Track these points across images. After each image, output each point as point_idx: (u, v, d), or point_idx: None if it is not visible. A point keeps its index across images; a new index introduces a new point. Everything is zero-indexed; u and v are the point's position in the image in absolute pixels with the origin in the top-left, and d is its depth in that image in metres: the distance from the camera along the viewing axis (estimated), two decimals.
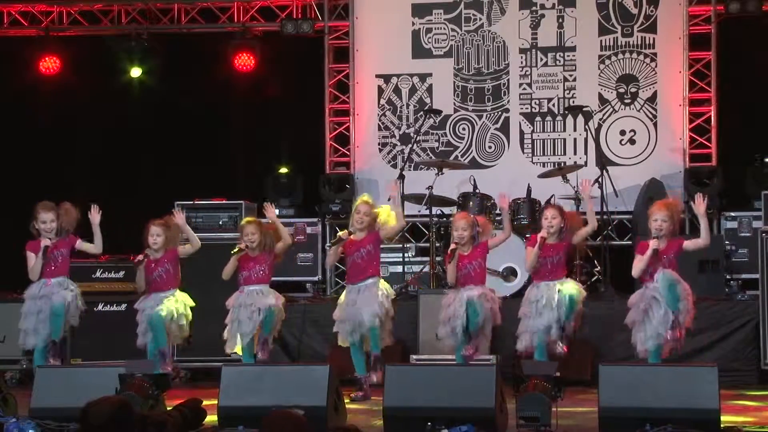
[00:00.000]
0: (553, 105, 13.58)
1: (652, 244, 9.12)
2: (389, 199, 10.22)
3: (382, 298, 9.69)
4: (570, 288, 9.45)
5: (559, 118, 13.55)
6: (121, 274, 11.41)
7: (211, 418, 7.88)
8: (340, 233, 9.96)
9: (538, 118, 13.60)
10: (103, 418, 6.37)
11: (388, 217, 9.84)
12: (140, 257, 9.79)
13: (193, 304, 9.96)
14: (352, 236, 9.80)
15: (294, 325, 11.50)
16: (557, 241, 9.53)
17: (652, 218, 9.23)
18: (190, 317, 9.91)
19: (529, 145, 13.59)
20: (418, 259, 12.79)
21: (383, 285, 9.80)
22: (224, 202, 12.17)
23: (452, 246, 9.60)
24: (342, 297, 9.86)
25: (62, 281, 9.89)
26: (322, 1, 14.01)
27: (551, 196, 12.33)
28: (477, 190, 12.33)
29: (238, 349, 9.84)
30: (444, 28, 13.77)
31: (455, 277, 9.64)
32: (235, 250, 9.84)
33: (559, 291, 9.37)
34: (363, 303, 9.63)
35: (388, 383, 7.56)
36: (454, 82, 13.73)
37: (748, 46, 13.26)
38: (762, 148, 13.04)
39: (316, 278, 13.11)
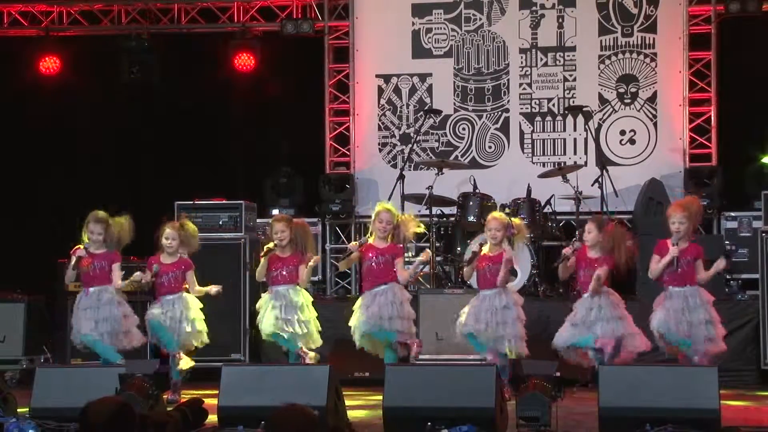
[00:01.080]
0: (553, 105, 13.58)
1: (672, 251, 9.13)
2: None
3: (400, 300, 9.63)
4: None
5: (559, 118, 13.55)
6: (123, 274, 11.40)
7: (211, 418, 7.87)
8: (349, 245, 9.90)
9: (538, 118, 13.61)
10: (103, 418, 6.37)
11: (410, 225, 9.78)
12: (146, 279, 9.73)
13: (201, 305, 9.95)
14: (371, 242, 9.74)
15: None
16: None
17: (670, 221, 9.26)
18: (201, 316, 9.91)
19: (529, 145, 13.59)
20: (418, 259, 12.76)
21: (399, 288, 9.71)
22: (224, 202, 12.16)
23: (475, 247, 9.58)
24: (358, 303, 9.79)
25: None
26: (322, 1, 14.01)
27: (551, 196, 12.34)
28: (477, 190, 12.33)
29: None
30: (444, 28, 13.77)
31: (471, 275, 9.65)
32: (263, 252, 9.75)
33: None
34: (382, 307, 9.59)
35: (388, 383, 7.56)
36: (454, 82, 13.73)
37: (748, 46, 13.26)
38: (762, 148, 13.04)
39: (316, 278, 13.09)
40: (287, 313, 9.65)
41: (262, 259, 9.78)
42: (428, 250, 10.16)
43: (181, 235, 9.84)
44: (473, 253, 9.65)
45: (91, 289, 9.74)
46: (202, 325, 9.88)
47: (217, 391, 7.75)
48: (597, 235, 9.50)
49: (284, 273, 9.73)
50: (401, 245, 9.79)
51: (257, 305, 9.91)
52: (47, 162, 14.11)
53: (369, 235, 9.84)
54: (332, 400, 7.61)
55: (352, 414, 8.28)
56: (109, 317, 9.65)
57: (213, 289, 9.90)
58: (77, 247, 9.76)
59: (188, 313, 9.80)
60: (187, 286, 9.89)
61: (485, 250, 9.68)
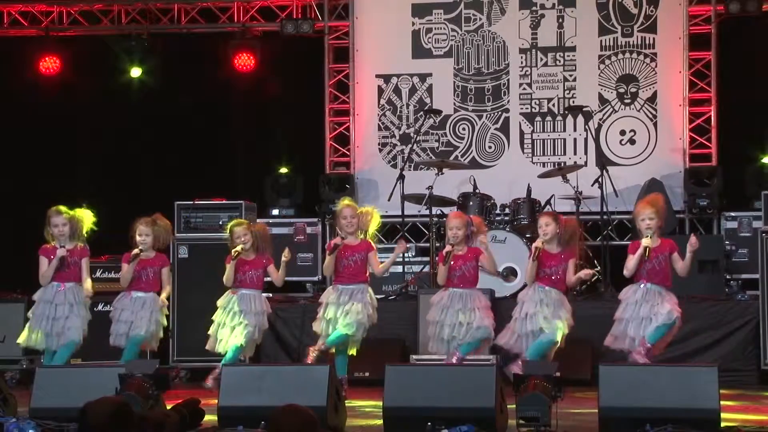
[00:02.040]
0: (553, 105, 13.58)
1: (644, 242, 9.17)
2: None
3: (369, 307, 9.71)
4: None
5: (559, 118, 13.55)
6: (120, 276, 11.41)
7: (211, 418, 7.87)
8: (334, 240, 9.93)
9: (538, 118, 13.61)
10: (102, 419, 6.37)
11: (367, 217, 9.83)
12: (135, 252, 9.78)
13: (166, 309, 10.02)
14: (345, 241, 9.78)
15: (294, 325, 11.52)
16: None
17: (639, 218, 9.30)
18: (165, 323, 10.00)
19: (529, 145, 13.59)
20: (418, 259, 12.79)
21: (370, 293, 9.80)
22: (224, 202, 12.16)
23: (447, 248, 9.60)
24: (325, 297, 9.84)
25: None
26: (322, 1, 14.01)
27: (551, 196, 12.34)
28: (477, 190, 12.33)
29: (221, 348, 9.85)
30: (444, 28, 13.77)
31: (446, 278, 9.65)
32: (234, 256, 9.79)
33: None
34: (348, 308, 9.64)
35: (388, 383, 7.56)
36: (454, 82, 13.73)
37: (748, 46, 13.26)
38: (762, 148, 13.05)
39: (316, 278, 13.10)
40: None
41: (229, 265, 9.78)
42: (402, 240, 10.18)
43: (154, 231, 9.85)
44: (447, 253, 9.63)
45: (68, 285, 9.79)
46: (160, 332, 9.94)
47: (217, 391, 7.75)
48: (555, 227, 9.49)
49: (254, 276, 9.83)
50: (370, 241, 9.84)
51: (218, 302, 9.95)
52: (47, 162, 14.10)
53: (338, 240, 9.84)
54: (332, 400, 7.61)
55: (351, 414, 8.28)
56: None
57: (164, 295, 9.95)
58: (45, 246, 9.79)
59: (157, 316, 9.85)
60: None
61: (460, 251, 9.67)
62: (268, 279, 10.11)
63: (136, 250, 9.77)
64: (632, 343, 9.19)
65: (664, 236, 9.51)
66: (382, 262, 9.94)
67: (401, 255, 11.57)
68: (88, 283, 9.81)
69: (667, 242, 9.33)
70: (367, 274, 9.83)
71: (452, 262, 9.56)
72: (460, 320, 9.50)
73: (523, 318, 9.45)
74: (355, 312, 9.61)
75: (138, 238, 9.82)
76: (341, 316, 9.64)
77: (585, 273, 9.58)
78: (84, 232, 9.87)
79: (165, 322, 10.01)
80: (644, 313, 9.17)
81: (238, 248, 9.74)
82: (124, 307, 9.85)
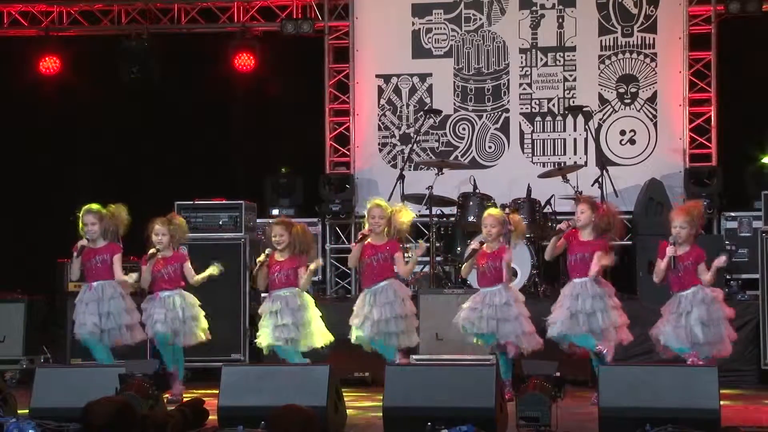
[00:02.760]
0: (553, 105, 13.58)
1: (669, 251, 9.11)
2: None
3: (400, 297, 9.63)
4: None
5: (559, 118, 13.55)
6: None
7: (211, 418, 7.87)
8: (363, 231, 9.88)
9: (538, 118, 13.60)
10: (104, 419, 6.38)
11: (400, 216, 9.77)
12: (151, 251, 9.77)
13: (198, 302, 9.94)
14: (370, 240, 9.74)
15: None
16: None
17: (672, 224, 9.21)
18: (201, 312, 9.92)
19: (529, 145, 13.59)
20: (418, 259, 12.75)
21: (398, 285, 9.72)
22: (224, 202, 12.16)
23: (474, 245, 9.55)
24: (359, 302, 9.79)
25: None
26: (322, 1, 14.01)
27: (551, 196, 12.34)
28: (477, 190, 12.33)
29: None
30: (444, 28, 13.77)
31: (469, 273, 9.63)
32: (260, 258, 9.73)
33: None
34: (381, 305, 9.59)
35: (388, 383, 7.56)
36: (454, 82, 13.73)
37: (748, 46, 13.26)
38: (762, 148, 13.05)
39: (316, 278, 13.08)
40: (284, 318, 9.62)
41: (263, 268, 9.70)
42: (421, 241, 10.15)
43: (170, 230, 9.85)
44: (473, 250, 9.63)
45: (95, 284, 9.75)
46: (204, 322, 9.88)
47: (217, 391, 7.76)
48: (590, 215, 9.40)
49: (282, 277, 9.68)
50: (398, 241, 9.79)
51: (259, 310, 9.88)
52: (47, 162, 14.11)
53: (362, 232, 9.81)
54: (332, 400, 7.62)
55: (352, 414, 8.29)
56: (112, 312, 9.67)
57: (214, 270, 9.86)
58: (76, 242, 9.79)
59: (191, 311, 9.81)
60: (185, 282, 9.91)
61: (485, 247, 9.66)
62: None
63: (152, 250, 9.77)
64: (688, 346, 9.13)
65: (698, 244, 9.39)
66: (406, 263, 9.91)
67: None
68: (117, 269, 9.80)
69: (695, 250, 9.23)
70: (394, 272, 9.75)
71: (478, 259, 9.55)
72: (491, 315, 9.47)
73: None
74: (379, 319, 9.55)
75: (155, 237, 9.82)
76: (371, 323, 9.57)
77: (609, 258, 9.41)
78: (118, 229, 9.84)
79: (200, 312, 9.92)
80: (695, 317, 9.09)
81: (262, 256, 9.68)
82: (154, 307, 9.81)
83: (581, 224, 9.41)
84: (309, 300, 9.77)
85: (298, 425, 6.40)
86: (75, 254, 9.75)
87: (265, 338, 9.60)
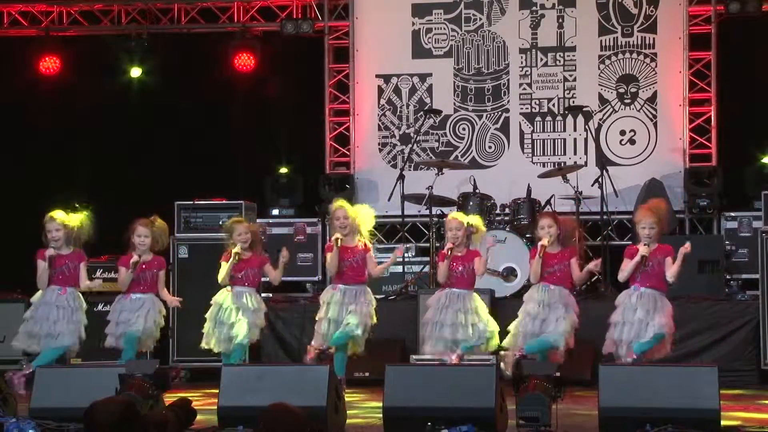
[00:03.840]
0: (553, 105, 13.59)
1: (642, 250, 9.18)
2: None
3: (371, 307, 9.77)
4: None
5: (559, 118, 13.55)
6: (118, 281, 11.40)
7: (211, 418, 7.87)
8: (336, 235, 9.95)
9: (538, 118, 13.61)
10: (111, 418, 6.37)
11: (360, 217, 9.86)
12: (134, 259, 9.77)
13: (164, 310, 10.02)
14: (344, 242, 9.81)
15: (294, 325, 11.52)
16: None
17: (640, 225, 9.32)
18: (162, 323, 10.02)
19: (529, 145, 13.59)
20: (418, 259, 12.80)
21: (370, 294, 9.88)
22: (224, 202, 12.17)
23: (448, 246, 9.63)
24: (327, 296, 9.86)
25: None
26: (322, 1, 14.01)
27: (551, 196, 12.34)
28: (477, 190, 12.33)
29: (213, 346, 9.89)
30: (444, 28, 13.77)
31: (445, 277, 9.69)
32: (234, 258, 9.81)
33: None
34: (353, 308, 9.67)
35: (388, 383, 7.56)
36: (454, 82, 13.73)
37: (748, 46, 13.26)
38: (762, 148, 13.05)
39: (316, 278, 13.11)
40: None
41: (228, 263, 9.82)
42: (402, 245, 10.25)
43: (152, 232, 9.85)
44: (449, 250, 9.69)
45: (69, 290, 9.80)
46: (157, 332, 9.96)
47: (217, 391, 7.75)
48: (556, 228, 9.56)
49: (249, 275, 9.88)
50: (367, 242, 9.91)
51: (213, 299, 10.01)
52: (47, 162, 14.10)
53: (336, 237, 9.89)
54: (332, 400, 7.61)
55: (352, 414, 8.28)
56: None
57: (174, 301, 10.01)
58: (41, 250, 9.79)
59: (157, 317, 9.88)
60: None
61: (459, 252, 9.73)
62: (265, 279, 10.14)
63: (135, 257, 9.75)
64: (620, 348, 9.21)
65: (662, 240, 9.50)
66: (380, 263, 10.01)
67: (401, 257, 11.67)
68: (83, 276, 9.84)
69: (663, 247, 9.32)
70: (366, 276, 9.88)
71: (453, 263, 9.61)
72: (461, 320, 9.53)
73: (528, 318, 9.50)
74: (361, 313, 9.67)
75: (137, 239, 9.81)
76: (348, 315, 9.66)
77: (594, 264, 9.58)
78: (81, 238, 9.86)
79: (162, 323, 10.02)
80: (640, 317, 9.20)
81: (237, 248, 9.77)
82: (123, 308, 9.85)
83: (552, 240, 9.53)
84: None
85: (287, 424, 6.39)
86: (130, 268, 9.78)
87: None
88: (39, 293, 9.85)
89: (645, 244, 9.20)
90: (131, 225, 9.87)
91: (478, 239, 9.78)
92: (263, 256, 9.96)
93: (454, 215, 10.03)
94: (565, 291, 9.56)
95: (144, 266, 9.83)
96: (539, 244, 9.57)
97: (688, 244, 9.23)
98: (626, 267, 9.30)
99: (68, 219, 9.82)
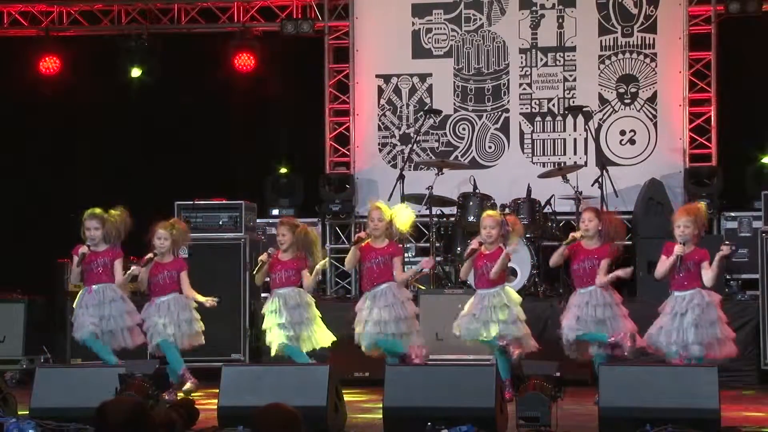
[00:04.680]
0: (553, 105, 13.58)
1: (677, 250, 9.07)
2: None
3: (400, 300, 9.59)
4: None
5: (559, 118, 13.55)
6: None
7: (211, 418, 7.88)
8: (360, 234, 9.90)
9: (538, 118, 13.61)
10: (121, 419, 6.36)
11: (402, 217, 9.75)
12: (149, 256, 9.76)
13: (195, 303, 9.93)
14: (369, 241, 9.70)
15: None
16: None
17: (675, 224, 9.18)
18: (198, 317, 9.90)
19: (529, 145, 13.59)
20: (418, 259, 12.75)
21: (397, 288, 9.65)
22: (224, 202, 12.16)
23: (474, 244, 9.52)
24: (359, 304, 9.77)
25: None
26: (322, 1, 14.01)
27: (551, 196, 12.34)
28: (477, 190, 12.33)
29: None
30: (444, 28, 13.77)
31: (468, 273, 9.62)
32: (262, 257, 9.76)
33: None
34: (381, 307, 9.57)
35: (388, 383, 7.56)
36: (454, 82, 13.73)
37: (748, 46, 13.26)
38: (762, 148, 13.04)
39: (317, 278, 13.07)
40: (281, 317, 9.65)
41: (263, 265, 9.75)
42: (431, 259, 10.10)
43: (172, 235, 9.84)
44: (472, 249, 9.62)
45: (95, 287, 9.73)
46: (200, 325, 9.88)
47: (217, 391, 7.76)
48: (598, 223, 9.42)
49: (283, 276, 9.73)
50: (400, 244, 9.79)
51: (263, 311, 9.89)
52: (47, 162, 14.11)
53: (363, 234, 9.81)
54: (332, 400, 7.62)
55: (352, 414, 8.29)
56: (113, 315, 9.66)
57: (208, 302, 9.86)
58: (78, 245, 9.77)
59: (186, 314, 9.80)
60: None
61: (483, 248, 9.64)
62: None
63: (149, 255, 9.76)
64: (668, 347, 9.11)
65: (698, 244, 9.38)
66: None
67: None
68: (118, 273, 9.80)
69: (699, 251, 9.19)
70: (391, 275, 9.73)
71: (479, 261, 9.53)
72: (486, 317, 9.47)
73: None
74: (379, 320, 9.53)
75: (156, 241, 9.80)
76: (373, 322, 9.55)
77: (625, 272, 9.44)
78: (120, 234, 9.81)
79: (197, 316, 9.89)
80: (689, 319, 9.07)
81: (264, 256, 9.72)
82: (149, 315, 9.81)
83: (591, 233, 9.41)
84: (309, 299, 9.77)
85: (281, 424, 6.37)
86: (76, 260, 9.72)
87: (274, 338, 9.62)
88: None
89: (681, 243, 9.12)
90: (152, 227, 9.86)
91: (516, 237, 9.66)
92: (302, 259, 9.75)
93: (490, 213, 9.85)
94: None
95: (162, 268, 9.80)
96: (570, 235, 9.50)
97: (725, 247, 9.17)
98: (661, 266, 9.21)
99: (108, 216, 9.77)
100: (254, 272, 9.93)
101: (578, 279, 9.46)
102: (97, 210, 9.82)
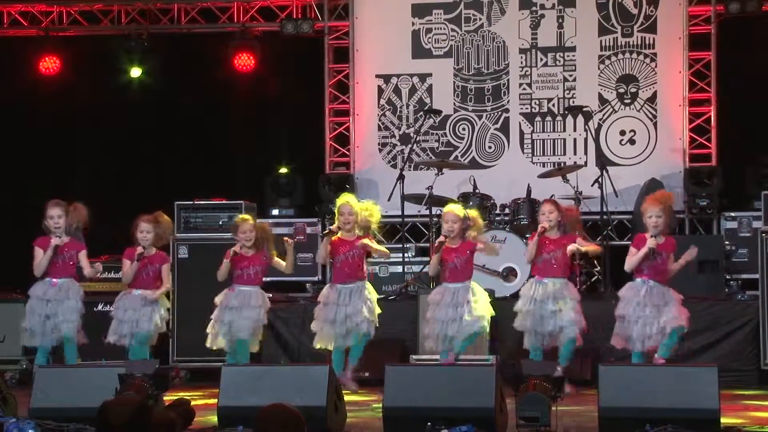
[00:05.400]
0: (553, 105, 13.58)
1: (650, 242, 9.17)
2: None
3: (372, 303, 9.77)
4: None
5: (559, 118, 13.55)
6: (121, 273, 11.40)
7: (211, 418, 7.88)
8: (331, 227, 10.00)
9: (538, 118, 13.61)
10: (124, 418, 6.36)
11: (370, 214, 9.88)
12: (139, 250, 9.83)
13: (168, 305, 10.12)
14: (340, 236, 9.83)
15: (294, 325, 11.51)
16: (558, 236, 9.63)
17: (647, 215, 9.32)
18: (168, 317, 10.11)
19: (529, 145, 13.59)
20: (418, 259, 12.78)
21: (370, 289, 9.90)
22: (224, 202, 12.17)
23: (440, 239, 9.64)
24: (325, 296, 9.87)
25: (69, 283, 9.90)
26: (322, 1, 14.01)
27: (551, 196, 12.31)
28: (477, 190, 12.33)
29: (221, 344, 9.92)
30: (444, 28, 13.77)
31: (437, 271, 9.69)
32: (232, 254, 9.88)
33: None
34: (354, 307, 9.67)
35: (388, 383, 7.56)
36: (454, 82, 13.73)
37: (748, 46, 13.25)
38: (762, 148, 13.04)
39: (316, 278, 13.10)
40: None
41: (225, 262, 9.89)
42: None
43: (155, 228, 9.90)
44: (439, 242, 9.69)
45: (59, 281, 9.83)
46: (163, 326, 10.03)
47: (217, 391, 7.76)
48: (558, 214, 9.64)
49: (250, 273, 9.91)
50: (368, 234, 9.94)
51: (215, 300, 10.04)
52: (47, 162, 14.10)
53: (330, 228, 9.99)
54: (332, 400, 7.61)
55: (352, 414, 8.29)
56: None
57: (160, 291, 9.99)
58: (128, 248, 9.94)
59: (160, 312, 9.93)
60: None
61: (448, 242, 9.71)
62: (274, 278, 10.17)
63: (140, 249, 9.82)
64: (635, 344, 9.21)
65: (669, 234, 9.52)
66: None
67: (402, 254, 11.71)
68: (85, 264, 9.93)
69: (670, 241, 9.35)
70: (365, 271, 9.86)
71: (446, 256, 9.59)
72: (451, 316, 9.52)
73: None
74: (359, 312, 9.69)
75: (139, 235, 9.90)
76: (347, 316, 9.66)
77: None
78: (81, 225, 9.94)
79: (167, 316, 10.07)
80: (649, 313, 9.18)
81: (236, 248, 9.83)
82: (126, 306, 9.88)
83: (552, 224, 9.62)
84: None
85: (283, 425, 6.37)
86: (134, 264, 9.84)
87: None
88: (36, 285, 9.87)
89: (653, 236, 9.19)
90: (135, 221, 9.93)
91: (475, 233, 9.76)
92: (267, 254, 9.94)
93: (451, 208, 9.99)
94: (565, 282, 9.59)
95: (146, 261, 9.86)
96: (540, 226, 9.61)
97: (695, 250, 9.25)
98: (632, 258, 9.30)
99: (70, 208, 9.89)
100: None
101: (543, 270, 9.67)
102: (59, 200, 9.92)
